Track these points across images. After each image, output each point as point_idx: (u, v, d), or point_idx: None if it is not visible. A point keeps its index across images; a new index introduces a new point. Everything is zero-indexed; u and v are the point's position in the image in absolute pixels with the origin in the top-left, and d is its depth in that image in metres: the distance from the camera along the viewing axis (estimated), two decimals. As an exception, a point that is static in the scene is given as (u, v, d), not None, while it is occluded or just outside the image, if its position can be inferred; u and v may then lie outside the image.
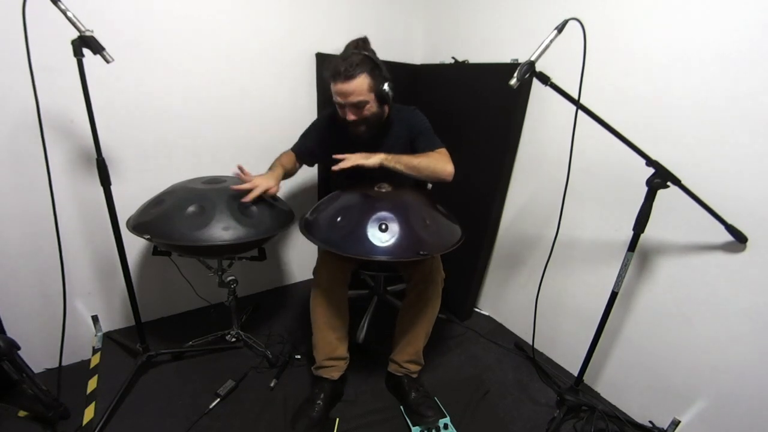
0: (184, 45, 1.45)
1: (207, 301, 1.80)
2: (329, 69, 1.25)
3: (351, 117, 1.28)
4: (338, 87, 1.23)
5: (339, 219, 1.19)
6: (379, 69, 1.27)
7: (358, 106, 1.26)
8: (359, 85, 1.22)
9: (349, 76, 1.21)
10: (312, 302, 1.34)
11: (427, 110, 1.54)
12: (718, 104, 1.05)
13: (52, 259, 1.18)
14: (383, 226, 1.13)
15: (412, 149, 1.42)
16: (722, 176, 1.06)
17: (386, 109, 1.37)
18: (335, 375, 1.33)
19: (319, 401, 1.26)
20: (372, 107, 1.29)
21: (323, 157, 1.46)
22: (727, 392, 1.12)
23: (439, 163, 1.32)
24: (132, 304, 1.34)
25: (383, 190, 1.29)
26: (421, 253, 1.10)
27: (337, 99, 1.27)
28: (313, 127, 1.52)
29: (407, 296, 1.40)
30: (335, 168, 1.23)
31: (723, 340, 1.12)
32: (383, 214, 1.16)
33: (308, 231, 1.25)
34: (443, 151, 1.37)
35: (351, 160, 1.23)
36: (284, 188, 1.70)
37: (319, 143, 1.48)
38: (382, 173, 1.31)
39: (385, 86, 1.28)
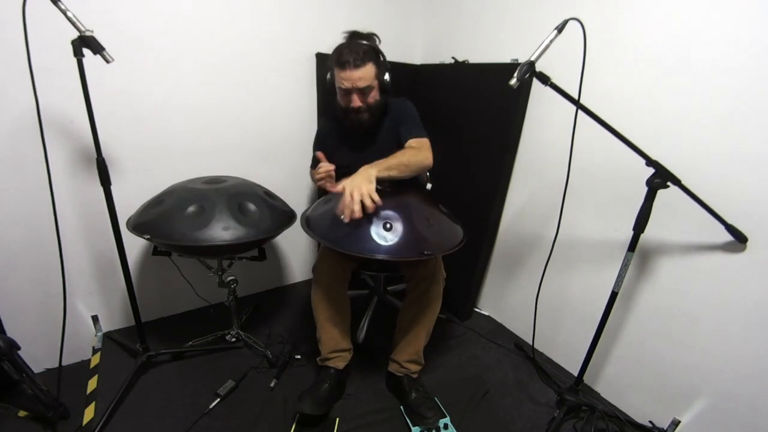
0: (184, 45, 1.45)
1: (207, 301, 1.80)
2: (335, 56, 1.29)
3: (357, 103, 1.31)
4: (347, 73, 1.26)
5: (342, 216, 1.18)
6: (382, 58, 1.32)
7: (364, 92, 1.30)
8: (367, 71, 1.27)
9: (358, 65, 1.25)
10: (313, 300, 1.36)
11: (428, 110, 1.54)
12: (718, 104, 1.05)
13: (52, 259, 1.18)
14: (387, 225, 1.13)
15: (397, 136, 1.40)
16: (722, 176, 1.06)
17: (385, 99, 1.41)
18: (341, 365, 1.36)
19: (326, 384, 1.28)
20: (375, 95, 1.34)
21: (331, 159, 1.47)
22: (727, 392, 1.12)
23: (419, 154, 1.28)
24: (132, 304, 1.34)
25: (385, 189, 1.29)
26: (425, 253, 1.10)
27: (345, 84, 1.29)
28: (317, 140, 1.57)
29: (408, 295, 1.40)
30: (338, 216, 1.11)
31: (723, 340, 1.12)
32: (387, 212, 1.15)
33: (310, 228, 1.24)
34: (423, 141, 1.34)
35: (355, 191, 1.08)
36: (284, 188, 1.70)
37: (328, 150, 1.48)
38: None
39: (386, 76, 1.34)
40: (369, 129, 1.40)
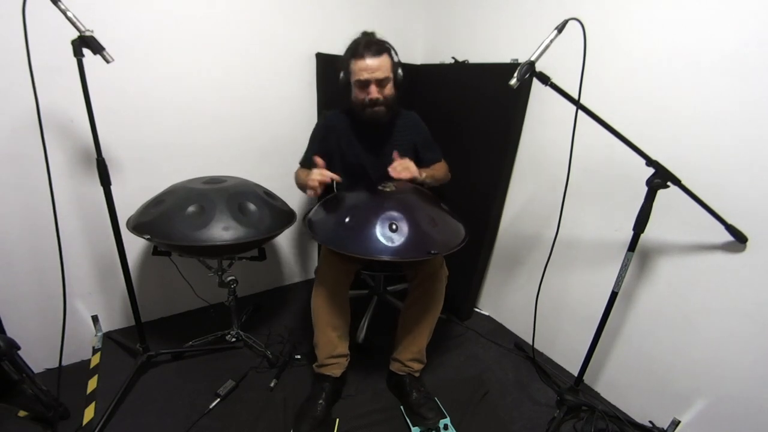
0: (184, 45, 1.45)
1: (207, 301, 1.80)
2: (351, 49, 1.30)
3: (375, 94, 1.31)
4: (366, 62, 1.27)
5: (347, 219, 1.18)
6: (396, 55, 1.34)
7: (382, 84, 1.31)
8: (385, 61, 1.29)
9: (378, 51, 1.27)
10: (314, 302, 1.34)
11: (428, 110, 1.55)
12: (718, 104, 1.05)
13: (52, 259, 1.18)
14: (393, 226, 1.13)
15: (416, 153, 1.51)
16: (722, 176, 1.06)
17: (398, 96, 1.42)
18: (337, 372, 1.33)
19: (321, 400, 1.26)
20: (391, 88, 1.35)
21: (332, 156, 1.48)
22: (727, 392, 1.12)
23: (447, 175, 1.57)
24: (132, 304, 1.34)
25: (388, 190, 1.29)
26: (432, 252, 1.10)
27: (363, 75, 1.29)
28: (314, 137, 1.53)
29: (411, 294, 1.40)
30: (392, 172, 1.31)
31: (723, 340, 1.12)
32: (392, 213, 1.15)
33: (314, 231, 1.24)
34: (445, 164, 1.59)
35: (407, 169, 1.33)
36: (284, 188, 1.70)
37: (326, 147, 1.48)
38: (386, 174, 1.33)
39: (399, 71, 1.36)
40: (385, 125, 1.42)
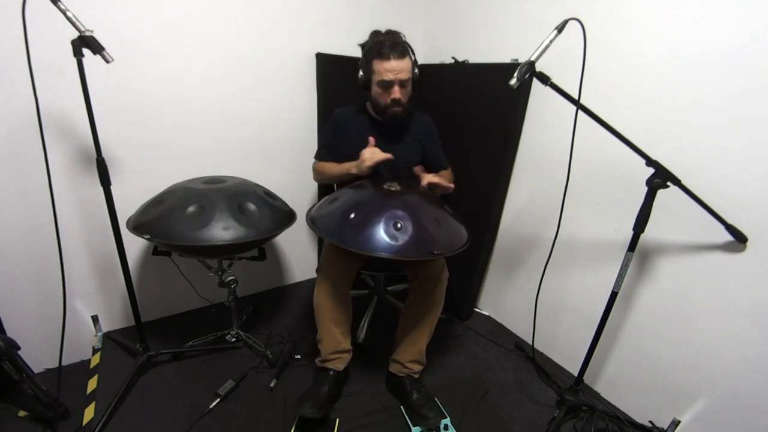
0: (184, 45, 1.45)
1: (207, 301, 1.80)
2: (375, 50, 1.30)
3: (398, 95, 1.33)
4: (391, 63, 1.28)
5: (352, 216, 1.18)
6: (413, 54, 1.34)
7: (404, 84, 1.32)
8: (407, 63, 1.30)
9: (402, 53, 1.28)
10: (317, 298, 1.35)
11: (428, 110, 1.56)
12: (718, 104, 1.05)
13: (52, 259, 1.18)
14: (398, 225, 1.13)
15: (424, 156, 1.53)
16: (722, 176, 1.06)
17: (414, 95, 1.43)
18: (340, 366, 1.35)
19: (325, 386, 1.27)
20: (410, 89, 1.36)
21: (347, 151, 1.47)
22: (727, 392, 1.12)
23: (451, 183, 1.51)
24: (132, 304, 1.34)
25: (393, 189, 1.29)
26: (435, 252, 1.10)
27: (388, 76, 1.30)
28: (326, 132, 1.54)
29: (411, 295, 1.40)
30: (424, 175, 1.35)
31: (723, 340, 1.12)
32: (397, 212, 1.16)
33: (318, 227, 1.24)
34: (450, 171, 1.60)
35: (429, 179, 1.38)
36: (284, 188, 1.70)
37: (341, 141, 1.49)
38: (389, 172, 1.33)
39: (416, 71, 1.36)
40: (400, 125, 1.44)
